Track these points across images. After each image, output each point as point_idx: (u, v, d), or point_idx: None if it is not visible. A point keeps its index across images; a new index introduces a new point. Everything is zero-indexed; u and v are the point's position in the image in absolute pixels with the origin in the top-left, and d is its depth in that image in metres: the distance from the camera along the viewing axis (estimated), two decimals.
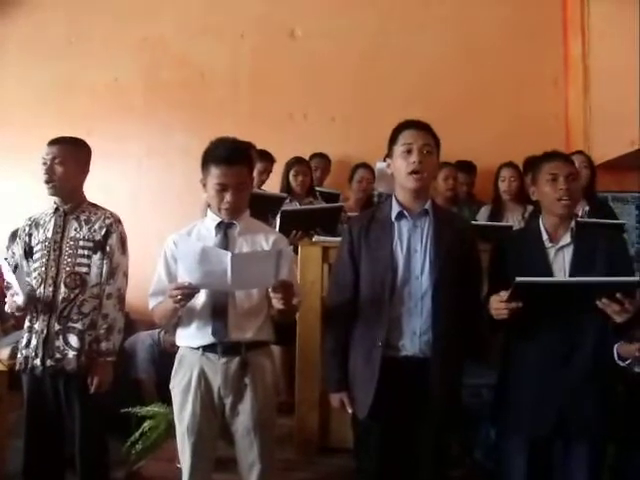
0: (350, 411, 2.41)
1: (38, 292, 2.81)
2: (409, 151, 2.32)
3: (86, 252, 2.84)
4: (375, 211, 2.52)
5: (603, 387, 2.37)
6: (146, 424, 3.21)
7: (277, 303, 2.21)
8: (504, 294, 2.18)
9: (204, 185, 2.43)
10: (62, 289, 2.80)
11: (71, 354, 2.77)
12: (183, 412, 2.40)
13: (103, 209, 2.95)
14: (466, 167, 4.83)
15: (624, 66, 4.54)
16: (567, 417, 2.32)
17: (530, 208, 4.06)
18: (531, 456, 2.39)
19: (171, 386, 2.47)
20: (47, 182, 2.83)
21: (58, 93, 5.70)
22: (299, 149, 4.80)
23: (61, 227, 2.87)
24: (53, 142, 2.88)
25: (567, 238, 2.41)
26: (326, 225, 3.80)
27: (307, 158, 4.78)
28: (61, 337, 2.78)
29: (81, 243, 2.85)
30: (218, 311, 2.36)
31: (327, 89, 5.52)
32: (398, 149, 2.36)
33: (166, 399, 2.78)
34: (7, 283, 2.81)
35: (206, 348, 2.38)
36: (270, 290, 2.21)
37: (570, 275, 2.35)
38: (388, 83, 5.44)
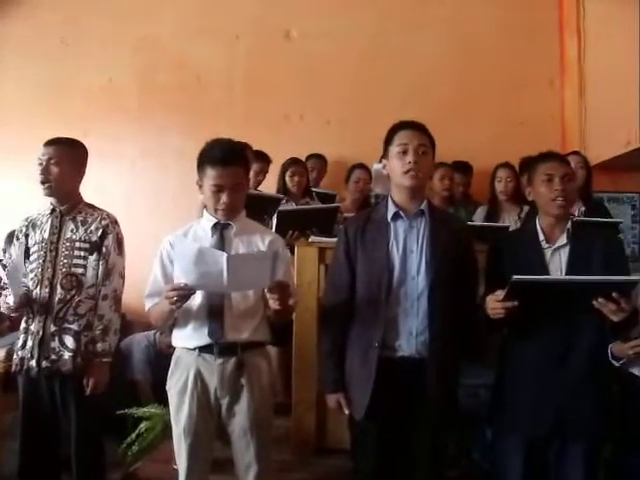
0: (347, 412, 2.40)
1: (34, 293, 2.80)
2: (405, 151, 2.32)
3: (82, 253, 2.83)
4: (371, 212, 2.52)
5: (599, 387, 2.38)
6: (142, 425, 3.20)
7: (273, 304, 2.21)
8: (500, 293, 2.18)
9: (200, 186, 2.43)
10: (58, 290, 2.79)
11: (67, 355, 2.76)
12: (179, 413, 2.40)
13: (100, 210, 2.94)
14: (462, 167, 4.85)
15: (620, 67, 4.56)
16: (564, 417, 2.32)
17: (526, 209, 4.06)
18: (527, 456, 2.40)
19: (167, 387, 2.47)
20: (43, 183, 2.82)
21: (54, 94, 5.69)
22: (295, 150, 4.81)
23: (57, 228, 2.86)
24: (49, 143, 2.87)
25: (563, 239, 2.41)
26: (322, 226, 3.81)
27: (303, 159, 4.78)
28: (57, 338, 2.77)
29: (77, 244, 2.84)
30: (214, 312, 2.36)
31: (323, 90, 5.53)
32: (394, 149, 2.36)
33: (162, 400, 2.78)
34: (3, 284, 2.80)
35: (202, 349, 2.38)
36: (266, 291, 2.21)
37: (567, 275, 2.35)
38: (384, 84, 5.46)
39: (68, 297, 2.79)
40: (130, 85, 5.75)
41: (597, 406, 2.34)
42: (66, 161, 2.84)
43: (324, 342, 2.50)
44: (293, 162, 4.49)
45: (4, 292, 2.79)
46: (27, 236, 2.92)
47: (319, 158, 5.20)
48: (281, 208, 3.94)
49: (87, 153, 2.98)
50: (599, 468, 2.46)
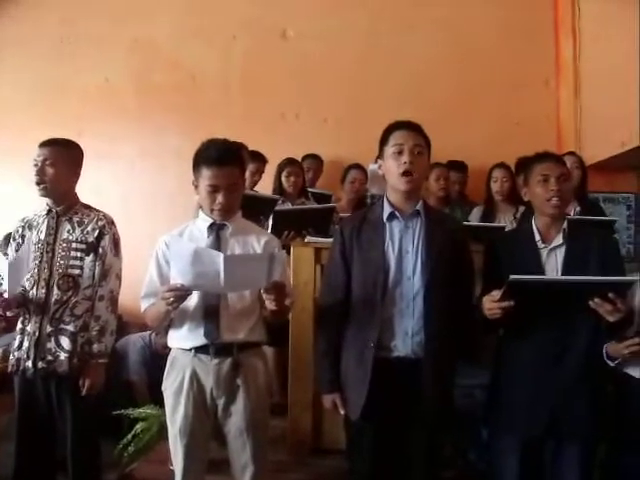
0: (342, 412, 2.40)
1: (31, 294, 2.80)
2: (400, 152, 2.32)
3: (79, 254, 2.83)
4: (367, 212, 2.52)
5: (594, 387, 2.38)
6: (138, 426, 3.20)
7: (270, 304, 2.21)
8: (496, 294, 2.19)
9: (196, 186, 2.43)
10: (55, 291, 2.79)
11: (63, 356, 2.76)
12: (175, 414, 2.40)
13: (96, 210, 2.94)
14: (457, 166, 4.85)
15: (615, 67, 4.56)
16: (559, 417, 2.33)
17: (522, 209, 4.06)
18: (523, 456, 2.40)
19: (163, 388, 2.46)
20: (38, 184, 2.82)
21: (51, 95, 5.69)
22: (291, 150, 4.80)
23: (54, 229, 2.86)
24: (44, 144, 2.86)
25: (559, 239, 2.42)
26: (318, 226, 3.80)
27: (299, 159, 4.78)
28: (53, 339, 2.77)
29: (74, 245, 2.84)
30: (210, 312, 2.36)
31: (319, 90, 5.53)
32: (389, 150, 2.36)
33: (158, 401, 2.78)
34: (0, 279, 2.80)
35: (198, 349, 2.37)
36: (263, 291, 2.21)
37: (563, 275, 2.35)
38: (380, 84, 5.46)
39: (64, 298, 2.79)
40: (127, 85, 5.74)
41: (592, 406, 2.35)
42: (61, 162, 2.84)
43: (320, 342, 2.50)
44: (289, 162, 4.49)
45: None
46: (23, 237, 2.91)
47: (315, 158, 5.20)
48: (277, 208, 3.94)
49: (82, 153, 2.98)
50: (594, 468, 2.47)
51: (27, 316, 2.82)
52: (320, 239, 3.49)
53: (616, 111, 4.52)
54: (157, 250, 2.45)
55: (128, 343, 4.30)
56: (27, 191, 2.90)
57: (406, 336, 2.31)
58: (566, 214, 2.61)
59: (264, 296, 2.21)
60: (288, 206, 4.28)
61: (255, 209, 3.43)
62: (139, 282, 2.49)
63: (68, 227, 2.86)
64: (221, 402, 2.39)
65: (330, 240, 2.80)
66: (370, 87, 5.46)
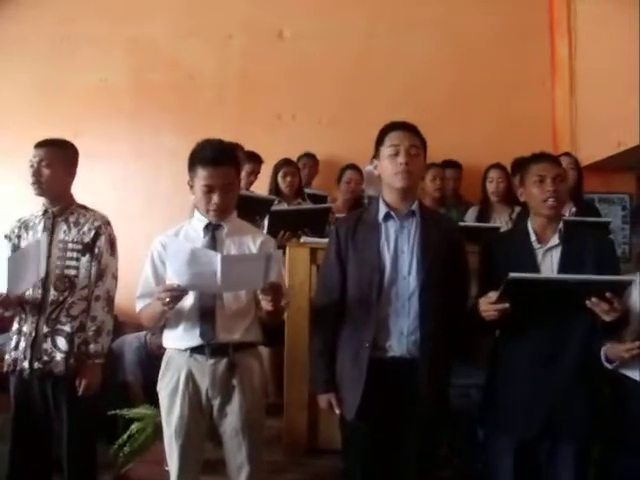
0: (338, 412, 2.40)
1: (27, 294, 2.79)
2: (396, 153, 2.32)
3: (75, 254, 2.83)
4: (362, 212, 2.52)
5: (590, 388, 2.38)
6: (134, 426, 3.20)
7: (266, 305, 2.21)
8: (493, 295, 2.19)
9: (191, 187, 2.43)
10: (51, 291, 2.78)
11: (59, 356, 2.75)
12: (171, 414, 2.39)
13: (92, 211, 2.94)
14: (451, 164, 4.87)
15: (610, 68, 4.57)
16: (555, 417, 2.33)
17: (517, 209, 4.07)
18: (519, 456, 2.40)
19: (158, 388, 2.47)
20: (34, 184, 2.82)
21: (48, 95, 5.68)
22: (287, 150, 4.81)
23: (50, 229, 2.85)
24: (40, 144, 2.86)
25: (555, 239, 2.42)
26: (314, 226, 3.81)
27: (295, 159, 4.78)
28: (49, 339, 2.76)
29: (70, 245, 2.83)
30: (206, 313, 2.36)
31: (315, 90, 5.54)
32: (385, 150, 2.36)
33: (153, 401, 2.77)
34: None
35: (194, 350, 2.37)
36: (259, 292, 2.21)
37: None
38: (377, 84, 5.46)
39: (61, 298, 2.79)
40: (124, 85, 5.74)
41: (588, 406, 2.35)
42: (57, 163, 2.83)
43: (315, 342, 2.50)
44: (285, 163, 4.49)
45: None
46: (19, 237, 2.91)
47: (310, 157, 5.21)
48: (273, 208, 3.94)
49: (77, 154, 2.97)
50: (589, 468, 2.47)
51: (23, 316, 2.81)
52: (316, 239, 3.50)
53: (612, 111, 4.53)
54: (152, 250, 2.45)
55: (124, 343, 4.28)
56: (26, 191, 2.89)
57: (401, 336, 2.31)
58: (562, 215, 2.61)
59: (260, 296, 2.21)
60: (284, 206, 4.28)
61: (251, 209, 3.43)
62: (135, 282, 2.49)
63: (64, 227, 2.86)
64: (217, 402, 2.39)
65: (326, 240, 2.80)
66: (367, 88, 5.47)
